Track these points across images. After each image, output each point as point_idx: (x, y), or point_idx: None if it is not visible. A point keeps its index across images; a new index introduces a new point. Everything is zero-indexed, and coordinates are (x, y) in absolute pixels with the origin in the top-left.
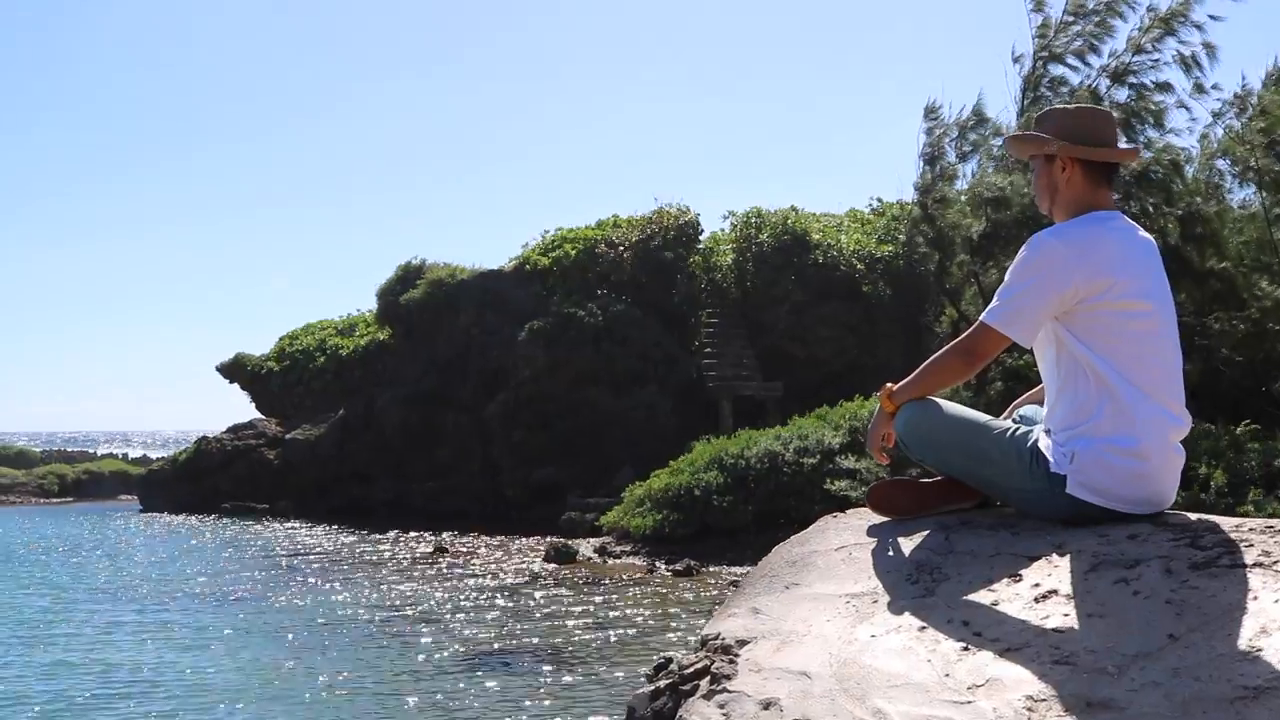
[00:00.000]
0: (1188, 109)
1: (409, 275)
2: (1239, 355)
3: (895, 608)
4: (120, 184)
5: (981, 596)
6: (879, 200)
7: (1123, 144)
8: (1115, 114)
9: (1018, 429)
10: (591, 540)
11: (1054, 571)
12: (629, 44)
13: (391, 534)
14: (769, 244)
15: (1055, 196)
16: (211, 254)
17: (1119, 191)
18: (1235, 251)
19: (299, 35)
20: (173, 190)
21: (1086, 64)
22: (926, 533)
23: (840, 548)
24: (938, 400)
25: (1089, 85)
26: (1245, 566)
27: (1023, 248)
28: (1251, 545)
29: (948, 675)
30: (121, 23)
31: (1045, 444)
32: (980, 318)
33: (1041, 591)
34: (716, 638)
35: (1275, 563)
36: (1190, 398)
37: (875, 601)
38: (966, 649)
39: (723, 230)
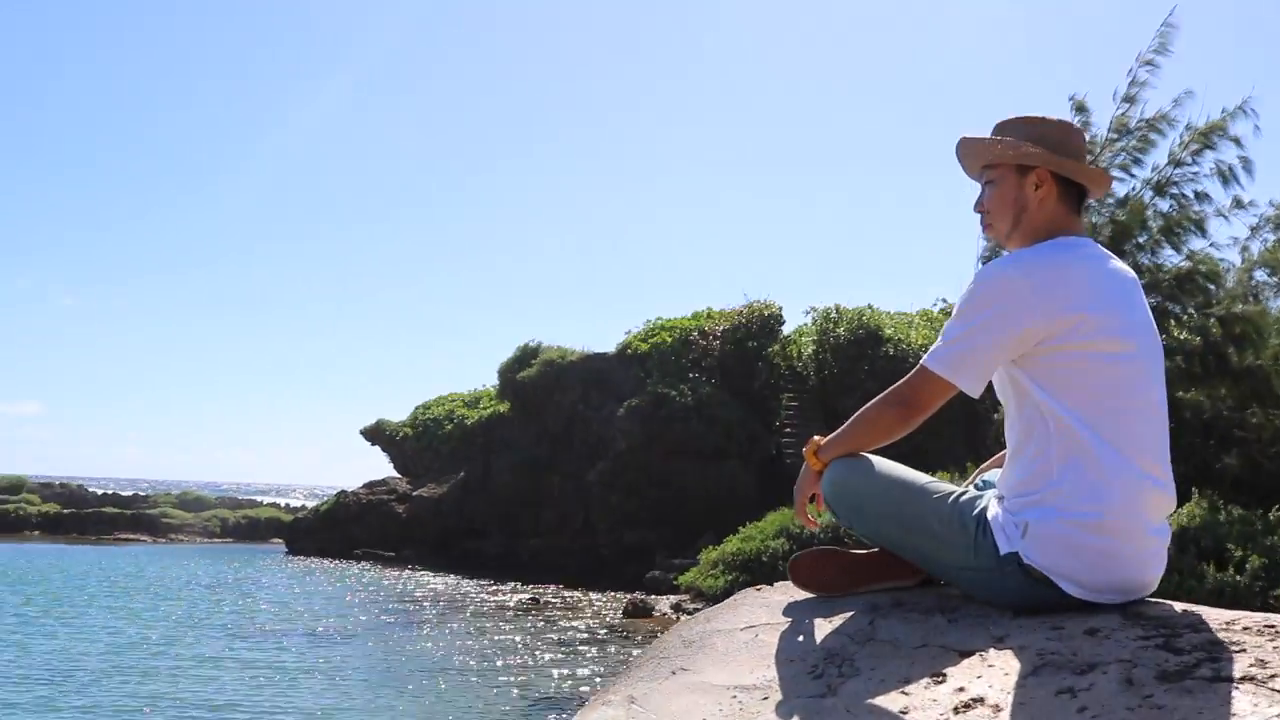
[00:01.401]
0: (1226, 219)
1: (526, 355)
2: (1274, 448)
3: (784, 709)
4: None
5: (890, 701)
6: (945, 300)
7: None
8: (1159, 223)
9: (963, 494)
10: (670, 597)
11: (985, 673)
12: (729, 148)
13: (497, 584)
14: (845, 337)
15: (1021, 218)
16: (357, 329)
17: (1160, 294)
18: (1273, 352)
19: (426, 123)
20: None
21: (1131, 175)
22: (850, 614)
23: (748, 627)
24: (870, 457)
25: (1134, 196)
26: (1230, 680)
27: (971, 279)
28: (1243, 650)
29: None
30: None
31: (995, 513)
32: (921, 360)
33: (965, 699)
34: None
35: (1272, 677)
36: (1231, 489)
37: (765, 699)
38: None
39: (805, 324)
